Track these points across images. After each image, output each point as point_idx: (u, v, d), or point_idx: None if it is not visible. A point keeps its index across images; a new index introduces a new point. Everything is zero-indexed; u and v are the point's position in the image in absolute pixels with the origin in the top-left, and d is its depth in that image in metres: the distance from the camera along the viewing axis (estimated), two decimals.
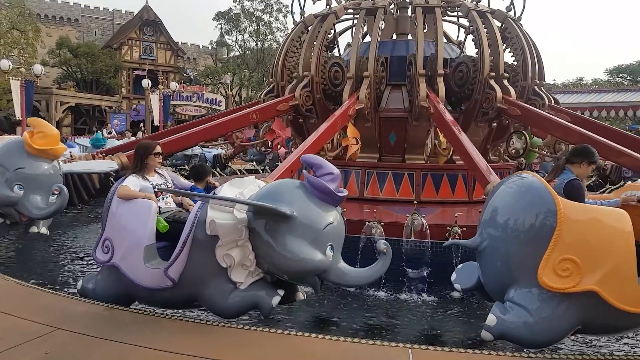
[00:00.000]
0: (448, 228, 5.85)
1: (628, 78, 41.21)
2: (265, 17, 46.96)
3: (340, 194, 3.86)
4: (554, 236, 3.21)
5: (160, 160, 4.68)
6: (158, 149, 4.58)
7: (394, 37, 9.72)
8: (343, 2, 9.16)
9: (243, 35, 47.87)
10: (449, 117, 7.25)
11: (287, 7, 10.06)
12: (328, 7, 8.97)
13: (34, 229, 6.07)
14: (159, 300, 4.14)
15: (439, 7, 8.14)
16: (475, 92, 7.82)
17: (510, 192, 3.66)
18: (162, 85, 27.92)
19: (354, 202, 7.48)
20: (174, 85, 33.15)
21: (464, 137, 6.78)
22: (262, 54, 46.15)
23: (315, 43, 8.38)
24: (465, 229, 5.80)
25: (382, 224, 5.92)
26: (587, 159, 4.00)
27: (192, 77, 47.42)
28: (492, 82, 7.60)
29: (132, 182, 4.20)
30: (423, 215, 6.04)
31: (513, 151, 7.84)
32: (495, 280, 3.63)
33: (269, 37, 47.62)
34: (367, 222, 5.95)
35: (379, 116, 8.32)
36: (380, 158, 8.54)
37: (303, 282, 4.01)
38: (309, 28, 8.84)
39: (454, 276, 4.02)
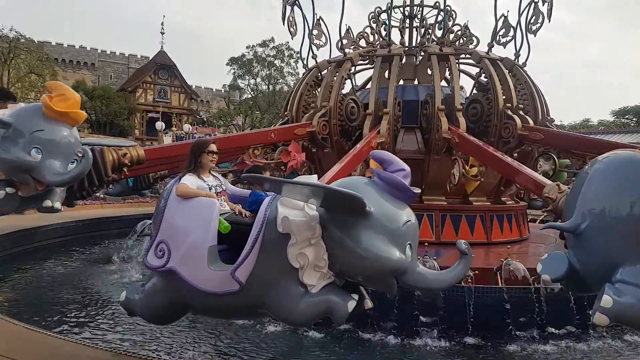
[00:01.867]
0: None
1: (634, 119, 41.31)
2: (277, 62, 48.32)
3: (415, 191, 3.66)
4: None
5: (215, 159, 4.33)
6: (212, 147, 4.23)
7: (401, 82, 10.03)
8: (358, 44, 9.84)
9: (255, 79, 49.13)
10: (477, 141, 7.53)
11: (297, 53, 10.53)
12: (344, 53, 9.57)
13: (48, 203, 5.51)
14: (218, 308, 3.80)
15: (452, 55, 8.88)
16: (492, 124, 8.26)
17: (612, 168, 3.30)
18: (175, 127, 28.51)
19: None
20: (187, 127, 33.77)
21: (501, 154, 7.05)
22: (274, 97, 47.21)
23: (335, 78, 8.89)
24: (477, 272, 5.73)
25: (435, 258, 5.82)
26: None
27: (204, 119, 48.45)
28: (510, 112, 8.07)
29: (190, 181, 3.90)
30: (435, 257, 5.97)
31: (542, 174, 7.94)
32: (599, 262, 3.21)
33: (280, 80, 48.83)
34: None
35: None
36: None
37: (378, 285, 3.66)
38: (323, 72, 9.43)
39: (539, 267, 3.53)
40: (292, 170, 7.84)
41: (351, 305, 3.46)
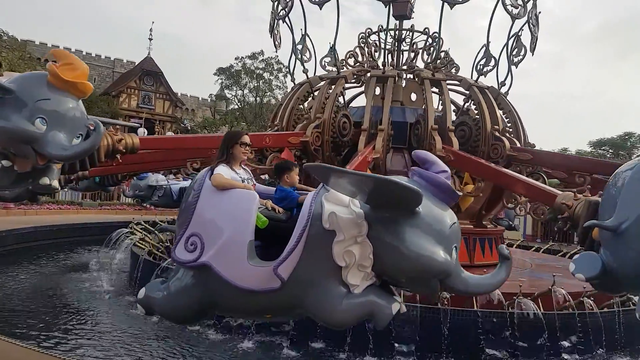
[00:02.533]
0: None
1: (610, 151, 42.37)
2: (266, 75, 48.38)
3: (458, 192, 3.60)
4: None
5: (247, 152, 4.13)
6: (245, 138, 4.04)
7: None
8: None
9: (243, 91, 49.03)
10: (474, 157, 7.74)
11: (287, 67, 10.72)
12: (337, 70, 9.68)
13: (45, 180, 5.10)
14: (252, 307, 3.58)
15: (444, 81, 9.13)
16: (481, 145, 8.51)
17: None
18: (157, 133, 28.22)
19: None
20: (169, 134, 33.51)
21: (503, 168, 7.24)
22: (261, 109, 47.14)
23: (330, 93, 9.02)
24: (453, 294, 5.74)
25: None
26: None
27: (188, 128, 48.05)
28: (498, 134, 8.36)
29: (225, 172, 3.68)
30: None
31: None
32: None
33: (268, 93, 48.86)
34: None
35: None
36: None
37: (421, 288, 3.57)
38: (315, 87, 9.62)
39: (572, 267, 3.52)
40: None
41: (395, 307, 3.36)
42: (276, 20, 9.37)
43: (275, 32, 9.45)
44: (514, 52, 9.32)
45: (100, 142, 4.89)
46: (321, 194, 3.45)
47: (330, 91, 9.03)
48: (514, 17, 8.13)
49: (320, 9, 8.36)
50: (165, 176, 11.86)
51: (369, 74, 9.70)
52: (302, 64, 9.49)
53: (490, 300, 5.88)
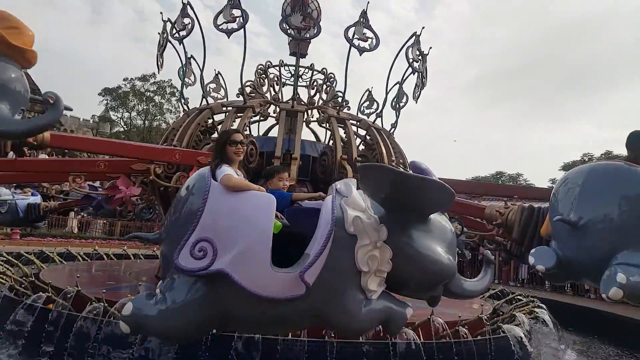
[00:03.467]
0: None
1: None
2: (157, 98, 46.56)
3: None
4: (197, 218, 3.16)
5: (240, 151, 3.82)
6: (236, 137, 3.78)
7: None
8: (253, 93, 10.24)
9: (130, 113, 46.64)
10: None
11: (180, 93, 10.45)
12: (244, 101, 9.62)
13: None
14: (269, 319, 3.30)
15: (348, 120, 9.68)
16: (333, 174, 8.96)
17: (605, 174, 3.83)
18: (29, 156, 25.54)
19: None
20: (43, 157, 30.44)
21: None
22: (149, 133, 45.05)
23: (243, 116, 8.92)
24: None
25: None
26: None
27: (65, 150, 44.23)
28: (345, 163, 8.81)
29: (232, 171, 3.39)
30: None
31: None
32: (598, 250, 3.64)
33: (158, 117, 46.96)
34: None
35: None
36: None
37: (427, 292, 3.59)
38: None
39: (532, 259, 3.88)
40: (121, 203, 7.51)
41: (409, 312, 3.39)
42: (166, 42, 9.11)
43: (160, 53, 9.20)
44: (396, 99, 10.17)
45: (58, 120, 4.22)
46: (338, 199, 3.36)
47: (238, 119, 9.00)
48: (361, 50, 8.58)
49: (229, 37, 8.27)
50: (10, 190, 10.27)
51: (278, 108, 9.86)
52: (182, 88, 9.46)
53: (377, 331, 5.99)
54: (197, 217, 3.14)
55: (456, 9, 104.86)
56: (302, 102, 10.32)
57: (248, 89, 10.28)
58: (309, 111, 10.63)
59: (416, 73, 9.67)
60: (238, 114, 9.20)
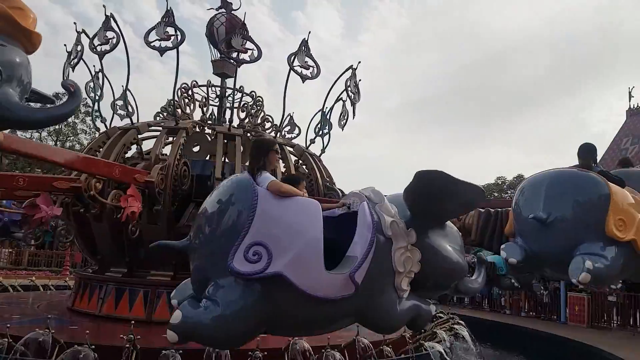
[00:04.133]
0: (250, 353, 5.67)
1: (495, 194, 49.26)
2: (70, 118, 44.16)
3: None
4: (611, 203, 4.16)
5: (276, 158, 4.28)
6: (276, 146, 4.05)
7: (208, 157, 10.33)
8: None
9: (40, 133, 43.70)
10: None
11: (97, 111, 9.85)
12: (176, 121, 9.34)
13: None
14: (317, 319, 3.48)
15: (239, 136, 9.40)
16: (316, 194, 9.20)
17: (566, 178, 4.52)
18: None
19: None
20: None
21: None
22: None
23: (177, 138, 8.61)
24: (266, 352, 5.70)
25: (180, 352, 5.40)
26: None
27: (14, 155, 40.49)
28: (329, 184, 9.54)
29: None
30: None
31: None
32: (563, 243, 4.25)
33: (71, 137, 44.31)
34: (163, 351, 5.38)
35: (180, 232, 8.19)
36: (175, 276, 8.10)
37: (442, 290, 4.19)
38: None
39: (503, 254, 4.40)
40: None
41: (433, 308, 3.83)
42: (81, 55, 8.64)
43: (72, 67, 8.69)
44: (340, 117, 10.28)
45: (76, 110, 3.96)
46: (372, 205, 3.64)
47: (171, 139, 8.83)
48: (303, 78, 8.68)
49: (161, 55, 8.02)
50: None
51: (214, 130, 9.63)
52: (96, 105, 9.18)
53: (300, 355, 5.96)
54: (248, 222, 3.17)
55: (381, 36, 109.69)
56: (240, 125, 10.20)
57: (179, 111, 10.02)
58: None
59: (341, 101, 9.98)
60: (169, 135, 8.94)
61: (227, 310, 3.12)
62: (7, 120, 3.68)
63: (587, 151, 5.09)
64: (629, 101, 22.19)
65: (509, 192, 49.45)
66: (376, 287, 3.53)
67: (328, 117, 10.14)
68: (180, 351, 5.38)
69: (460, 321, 9.93)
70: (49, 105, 4.15)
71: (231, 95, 10.46)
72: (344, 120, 10.22)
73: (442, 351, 7.57)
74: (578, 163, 5.14)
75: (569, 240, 4.25)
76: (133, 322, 5.83)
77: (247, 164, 3.92)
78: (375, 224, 3.53)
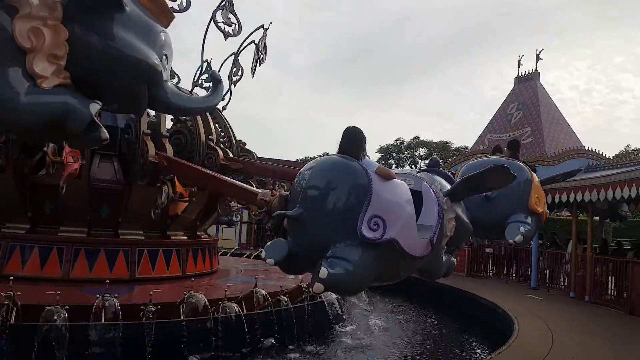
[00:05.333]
0: (142, 307, 5.68)
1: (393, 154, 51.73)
2: None
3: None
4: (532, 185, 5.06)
5: None
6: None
7: None
8: None
9: None
10: (188, 163, 8.03)
11: None
12: None
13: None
14: (405, 271, 4.58)
15: None
16: (196, 154, 9.04)
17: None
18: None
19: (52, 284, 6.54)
20: None
21: (212, 172, 7.77)
22: None
23: None
24: (160, 307, 5.75)
25: (67, 307, 5.29)
26: None
27: None
28: (212, 144, 9.14)
29: None
30: (116, 295, 5.70)
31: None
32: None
33: None
34: (46, 307, 5.22)
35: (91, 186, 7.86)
36: (90, 232, 7.88)
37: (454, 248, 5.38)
38: None
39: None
40: None
41: (455, 261, 5.46)
42: None
43: None
44: (233, 72, 10.09)
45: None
46: (431, 186, 4.64)
47: None
48: (226, 35, 8.55)
49: None
50: None
51: None
52: None
53: (196, 308, 6.07)
54: (367, 199, 3.90)
55: None
56: None
57: None
58: None
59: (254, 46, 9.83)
60: None
61: (358, 268, 3.85)
62: (176, 108, 4.27)
63: (515, 146, 6.83)
64: (518, 69, 23.87)
65: (405, 152, 52.34)
66: (438, 247, 4.60)
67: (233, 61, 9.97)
68: (67, 307, 5.25)
69: None
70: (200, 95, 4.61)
71: None
72: (238, 77, 10.17)
73: (336, 298, 8.09)
74: (507, 154, 6.71)
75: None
76: (12, 278, 5.60)
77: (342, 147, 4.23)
78: (439, 200, 4.58)
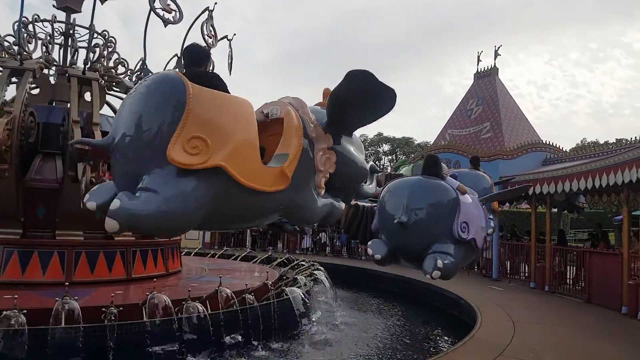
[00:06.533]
0: (104, 310, 5.48)
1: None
2: None
3: None
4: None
5: None
6: None
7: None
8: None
9: None
10: None
11: None
12: (20, 62, 8.08)
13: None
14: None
15: (95, 80, 8.54)
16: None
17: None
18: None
19: None
20: None
21: None
22: None
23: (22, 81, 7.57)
24: (122, 308, 5.56)
25: (25, 312, 5.05)
26: None
27: None
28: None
29: None
30: (76, 297, 5.48)
31: None
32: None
33: None
34: (3, 312, 4.98)
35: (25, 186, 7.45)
36: (25, 234, 7.46)
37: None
38: None
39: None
40: None
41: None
42: None
43: None
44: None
45: None
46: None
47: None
48: (165, 22, 8.07)
49: None
50: None
51: (66, 74, 8.69)
52: None
53: (157, 310, 5.90)
54: (458, 208, 5.36)
55: None
56: (91, 68, 9.12)
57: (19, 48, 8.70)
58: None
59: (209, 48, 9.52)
60: (13, 77, 7.79)
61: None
62: (365, 195, 5.58)
63: (476, 161, 7.74)
64: (477, 65, 24.31)
65: (369, 148, 52.79)
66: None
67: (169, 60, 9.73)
68: (25, 311, 5.01)
69: (320, 267, 10.59)
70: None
71: (77, 34, 9.41)
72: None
73: (302, 295, 8.05)
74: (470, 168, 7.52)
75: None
76: None
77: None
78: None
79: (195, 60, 3.82)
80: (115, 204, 3.06)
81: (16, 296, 5.27)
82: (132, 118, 3.29)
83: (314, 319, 8.50)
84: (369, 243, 5.64)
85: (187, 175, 3.20)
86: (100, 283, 7.37)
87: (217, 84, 3.69)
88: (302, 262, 11.34)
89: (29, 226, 7.49)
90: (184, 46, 3.91)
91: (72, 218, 7.50)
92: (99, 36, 9.72)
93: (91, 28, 8.98)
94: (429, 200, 5.38)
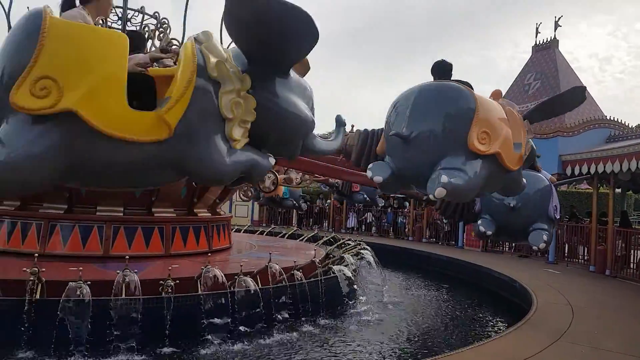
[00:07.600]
0: (161, 282, 5.70)
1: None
2: None
3: None
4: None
5: None
6: None
7: None
8: None
9: None
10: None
11: None
12: None
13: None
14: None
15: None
16: None
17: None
18: None
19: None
20: None
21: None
22: None
23: None
24: (179, 281, 5.77)
25: (89, 283, 5.29)
26: None
27: None
28: None
29: None
30: (135, 270, 5.72)
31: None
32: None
33: None
34: (70, 282, 5.23)
35: None
36: (125, 212, 7.88)
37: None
38: None
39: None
40: None
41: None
42: None
43: None
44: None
45: None
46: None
47: None
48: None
49: None
50: None
51: None
52: None
53: (215, 282, 6.08)
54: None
55: None
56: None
57: None
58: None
59: None
60: None
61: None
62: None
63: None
64: (536, 37, 23.07)
65: None
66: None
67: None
68: (89, 282, 5.27)
69: (367, 247, 10.55)
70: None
71: (133, 18, 9.59)
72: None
73: (349, 274, 8.05)
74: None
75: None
76: (36, 255, 5.70)
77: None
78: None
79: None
80: (445, 179, 3.35)
81: (81, 268, 5.53)
82: (431, 116, 3.78)
83: (361, 298, 8.51)
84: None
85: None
86: (137, 258, 7.37)
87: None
88: (348, 242, 11.33)
89: (128, 204, 7.93)
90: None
91: (166, 197, 8.07)
92: (152, 17, 9.91)
93: (142, 10, 9.16)
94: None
